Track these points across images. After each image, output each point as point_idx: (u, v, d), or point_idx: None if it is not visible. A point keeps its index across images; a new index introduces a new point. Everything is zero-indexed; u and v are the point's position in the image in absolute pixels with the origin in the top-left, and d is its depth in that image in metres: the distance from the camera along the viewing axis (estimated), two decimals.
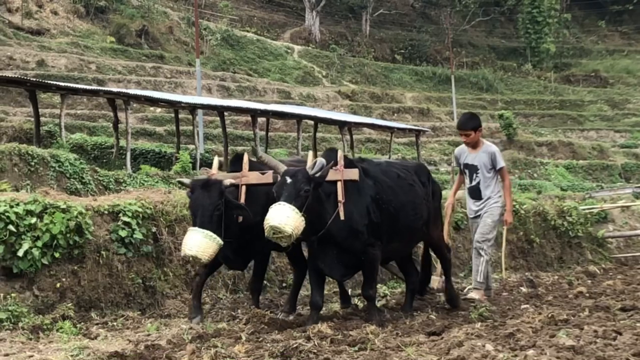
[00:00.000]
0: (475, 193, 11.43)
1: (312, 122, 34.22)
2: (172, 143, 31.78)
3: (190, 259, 9.15)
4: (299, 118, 31.78)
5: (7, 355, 7.89)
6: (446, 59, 64.94)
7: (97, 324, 9.50)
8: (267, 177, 9.32)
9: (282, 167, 9.02)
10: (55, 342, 8.56)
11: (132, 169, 23.52)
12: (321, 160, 8.95)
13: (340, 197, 9.00)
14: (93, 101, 36.64)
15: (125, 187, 19.54)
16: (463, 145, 11.54)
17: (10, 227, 9.61)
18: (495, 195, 11.31)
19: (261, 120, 30.49)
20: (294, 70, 57.09)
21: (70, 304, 9.77)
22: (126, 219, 10.55)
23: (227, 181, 9.31)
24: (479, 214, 11.36)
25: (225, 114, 30.44)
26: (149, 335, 8.83)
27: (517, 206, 16.69)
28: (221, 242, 9.03)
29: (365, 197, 9.34)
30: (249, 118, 31.12)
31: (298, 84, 53.99)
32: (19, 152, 17.08)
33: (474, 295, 10.93)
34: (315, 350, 7.37)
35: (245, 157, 9.85)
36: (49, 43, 43.72)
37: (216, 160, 10.14)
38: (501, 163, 11.32)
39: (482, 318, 9.13)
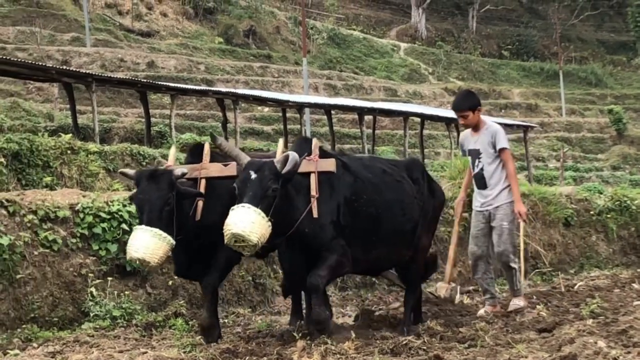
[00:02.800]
0: (480, 181, 9.79)
1: (418, 120, 34.05)
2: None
3: (137, 262, 7.94)
4: (406, 115, 31.56)
5: (121, 352, 8.05)
6: (554, 54, 63.90)
7: None
8: (231, 170, 8.03)
9: (245, 158, 7.69)
10: (168, 338, 8.70)
11: None
12: (293, 155, 7.53)
13: (313, 191, 7.80)
14: (202, 101, 37.16)
15: None
16: (467, 130, 9.99)
17: (124, 225, 9.84)
18: (502, 186, 9.63)
19: (368, 118, 30.46)
20: (400, 68, 56.93)
21: (182, 301, 9.95)
22: None
23: (178, 170, 7.95)
24: (486, 207, 9.72)
25: (332, 112, 30.54)
26: (259, 332, 8.92)
27: (628, 201, 16.33)
28: (173, 241, 7.77)
29: (338, 195, 8.07)
30: (356, 116, 31.18)
31: (404, 81, 53.81)
32: (130, 152, 17.39)
33: (517, 302, 9.70)
34: (425, 347, 7.33)
35: (206, 147, 8.52)
36: (159, 45, 44.53)
37: (173, 150, 8.79)
38: (502, 143, 9.60)
39: (593, 315, 8.85)
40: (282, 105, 29.47)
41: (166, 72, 39.33)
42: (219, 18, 51.28)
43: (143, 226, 7.67)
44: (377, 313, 9.55)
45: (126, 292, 9.79)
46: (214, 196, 8.08)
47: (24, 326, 9.23)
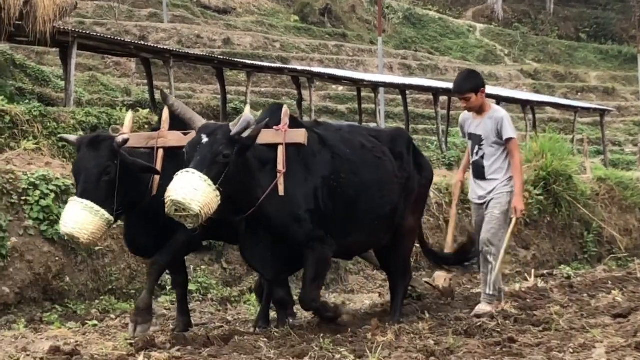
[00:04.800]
0: (479, 170, 8.99)
1: (494, 101, 33.74)
2: (354, 121, 31.95)
3: (66, 237, 7.42)
4: None
5: (197, 325, 8.16)
6: (632, 37, 62.49)
7: None
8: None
9: (200, 121, 7.09)
10: (242, 313, 8.81)
11: None
12: (245, 117, 6.82)
13: (280, 165, 7.01)
14: (277, 79, 37.23)
15: None
16: (467, 112, 9.25)
17: None
18: (503, 177, 8.87)
19: (443, 99, 30.27)
20: (475, 49, 56.34)
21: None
22: None
23: (121, 137, 7.16)
24: (483, 200, 8.96)
25: (407, 92, 30.38)
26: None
27: None
28: (109, 217, 7.04)
29: (316, 175, 7.29)
30: (431, 97, 30.98)
31: (480, 62, 53.25)
32: None
33: (484, 307, 8.69)
34: (499, 329, 7.31)
35: (165, 113, 7.66)
36: (235, 22, 44.65)
37: (129, 115, 7.85)
38: (509, 132, 8.83)
39: None
40: (357, 84, 29.50)
41: (242, 49, 39.46)
42: None
43: (75, 198, 7.03)
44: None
45: (202, 267, 9.91)
46: (172, 168, 7.04)
47: (101, 297, 9.43)
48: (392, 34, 52.62)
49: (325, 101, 37.39)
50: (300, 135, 7.17)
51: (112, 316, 8.87)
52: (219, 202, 6.49)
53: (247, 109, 7.27)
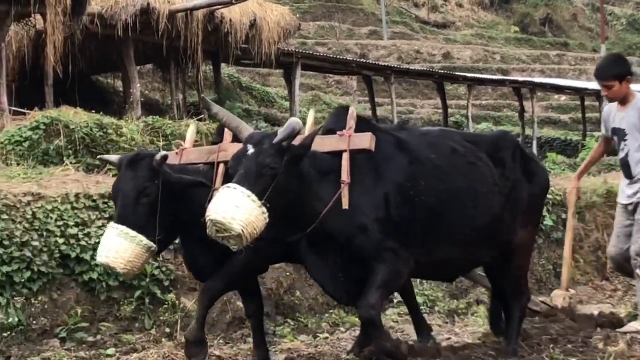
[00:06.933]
0: (625, 169, 7.80)
1: None
2: (578, 130, 31.39)
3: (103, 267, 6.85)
4: None
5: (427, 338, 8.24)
6: None
7: None
8: None
9: (247, 130, 6.21)
10: (470, 325, 8.79)
11: (538, 156, 23.55)
12: (292, 121, 5.78)
13: (344, 174, 5.98)
14: (498, 91, 36.95)
15: None
16: (612, 104, 7.95)
17: None
18: None
19: None
20: None
21: (483, 289, 9.97)
22: None
23: (162, 154, 6.35)
24: (630, 201, 7.76)
25: None
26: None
27: None
28: (151, 244, 6.21)
29: (386, 181, 6.22)
30: None
31: None
32: None
33: (636, 325, 7.61)
34: None
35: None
36: (454, 35, 44.68)
37: (192, 129, 7.18)
38: None
39: None
40: (580, 93, 29.04)
41: (461, 62, 39.42)
42: (514, 7, 50.82)
43: (112, 223, 6.29)
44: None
45: (428, 280, 9.97)
46: None
47: (331, 311, 9.64)
48: (616, 41, 51.05)
49: (547, 111, 36.78)
50: (365, 140, 6.13)
51: (342, 329, 9.03)
52: (267, 219, 5.57)
53: (311, 113, 6.48)
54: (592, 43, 49.05)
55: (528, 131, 26.98)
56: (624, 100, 7.71)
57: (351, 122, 6.16)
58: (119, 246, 6.06)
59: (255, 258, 6.35)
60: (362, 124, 6.32)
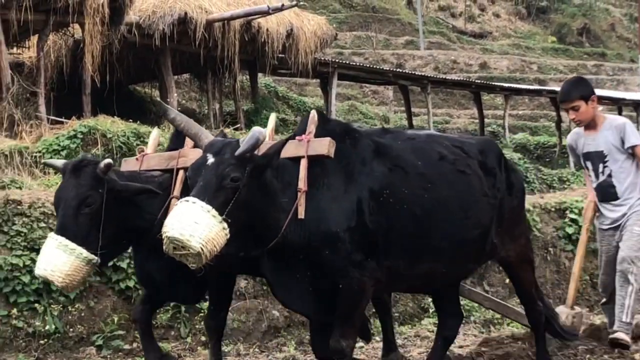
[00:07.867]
0: (608, 192, 7.63)
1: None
2: None
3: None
4: None
5: (461, 347, 8.21)
6: None
7: None
8: None
9: (207, 137, 5.68)
10: (506, 335, 8.76)
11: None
12: (255, 131, 5.30)
13: (301, 182, 5.50)
14: (534, 101, 36.76)
15: (569, 185, 19.61)
16: (576, 129, 7.84)
17: None
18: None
19: None
20: None
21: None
22: (573, 215, 10.55)
23: (105, 162, 5.89)
24: (618, 223, 7.59)
25: None
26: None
27: None
28: (92, 257, 5.75)
29: (361, 187, 5.70)
30: None
31: None
32: None
33: (621, 336, 7.30)
34: None
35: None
36: (491, 45, 44.55)
37: (154, 134, 6.84)
38: (635, 139, 7.45)
39: None
40: (618, 103, 29.00)
41: (498, 72, 39.29)
42: (552, 17, 50.65)
43: (52, 234, 5.82)
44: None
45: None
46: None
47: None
48: None
49: None
50: (324, 146, 5.62)
51: (377, 338, 9.03)
52: (228, 235, 5.10)
53: (272, 117, 6.30)
54: (630, 53, 48.69)
55: (565, 141, 26.83)
56: (592, 123, 7.59)
57: (311, 127, 5.76)
58: (57, 259, 5.65)
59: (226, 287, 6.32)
60: (336, 128, 5.99)
